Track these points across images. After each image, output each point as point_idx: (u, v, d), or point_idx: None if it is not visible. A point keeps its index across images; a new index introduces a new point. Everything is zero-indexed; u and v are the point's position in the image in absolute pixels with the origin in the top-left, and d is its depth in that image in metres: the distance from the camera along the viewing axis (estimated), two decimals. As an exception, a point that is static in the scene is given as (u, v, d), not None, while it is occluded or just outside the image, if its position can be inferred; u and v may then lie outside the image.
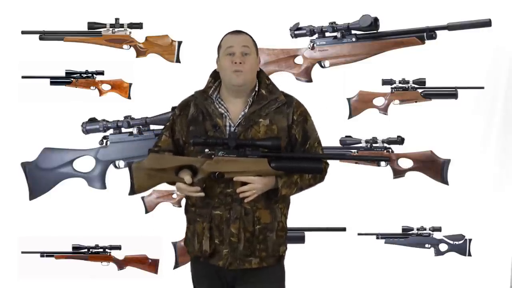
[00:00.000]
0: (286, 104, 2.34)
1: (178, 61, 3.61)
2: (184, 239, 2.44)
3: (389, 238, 3.65)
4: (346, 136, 3.63)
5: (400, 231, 3.65)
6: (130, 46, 3.60)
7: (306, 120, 2.36)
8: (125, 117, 3.55)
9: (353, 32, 3.55)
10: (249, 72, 2.29)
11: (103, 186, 3.58)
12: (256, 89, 2.35)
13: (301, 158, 2.29)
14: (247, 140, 2.25)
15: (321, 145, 2.40)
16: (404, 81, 3.57)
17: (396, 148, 3.60)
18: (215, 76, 2.39)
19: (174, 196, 3.60)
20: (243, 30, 2.36)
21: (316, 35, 3.63)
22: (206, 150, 2.24)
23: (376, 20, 3.44)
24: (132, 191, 2.32)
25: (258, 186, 2.22)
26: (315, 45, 3.63)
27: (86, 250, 3.62)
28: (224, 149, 2.23)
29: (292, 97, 2.39)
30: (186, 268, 3.27)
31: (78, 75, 3.59)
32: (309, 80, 3.68)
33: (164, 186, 2.37)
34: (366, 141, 3.61)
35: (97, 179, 3.56)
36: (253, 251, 2.29)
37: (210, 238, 2.30)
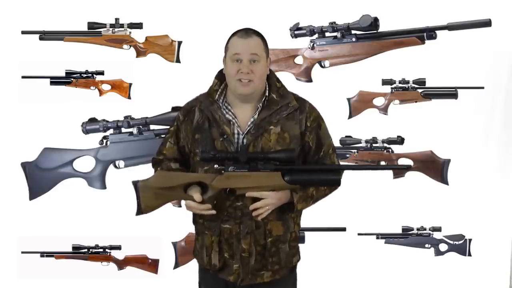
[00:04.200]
0: (299, 109, 2.21)
1: (178, 61, 3.61)
2: (193, 249, 2.37)
3: (389, 238, 3.65)
4: (346, 136, 3.63)
5: (400, 231, 3.65)
6: (130, 46, 3.60)
7: (320, 126, 2.25)
8: (125, 117, 3.55)
9: (353, 32, 3.55)
10: (257, 80, 2.15)
11: (103, 186, 3.57)
12: (266, 93, 2.22)
13: (316, 170, 2.18)
14: (258, 153, 2.13)
15: (335, 152, 2.31)
16: (404, 81, 3.57)
17: (396, 148, 3.59)
18: (220, 77, 2.26)
19: (174, 196, 3.60)
20: (253, 28, 2.23)
21: (316, 35, 3.63)
22: (216, 165, 2.13)
23: (376, 20, 3.43)
24: (139, 211, 2.21)
25: (272, 202, 2.12)
26: (315, 45, 3.63)
27: (86, 250, 3.62)
28: (234, 163, 2.12)
29: (304, 101, 2.26)
30: (186, 268, 3.28)
31: (78, 75, 3.58)
32: (309, 80, 3.67)
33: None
34: (366, 141, 3.61)
35: (97, 179, 3.56)
36: (265, 264, 2.20)
37: (219, 252, 2.21)
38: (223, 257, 2.22)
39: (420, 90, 3.56)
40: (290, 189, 2.14)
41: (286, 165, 2.12)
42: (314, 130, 2.23)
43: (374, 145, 3.61)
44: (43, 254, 3.58)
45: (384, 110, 3.62)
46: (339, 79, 3.61)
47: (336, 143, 3.58)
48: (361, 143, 3.62)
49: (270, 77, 2.25)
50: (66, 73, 3.58)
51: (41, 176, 3.53)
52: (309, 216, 3.47)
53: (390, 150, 3.61)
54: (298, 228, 2.30)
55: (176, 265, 3.61)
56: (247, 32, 2.18)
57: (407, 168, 3.15)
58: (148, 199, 2.21)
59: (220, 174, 2.13)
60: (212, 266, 2.24)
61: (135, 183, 2.17)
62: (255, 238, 2.18)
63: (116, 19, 3.57)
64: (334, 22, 3.56)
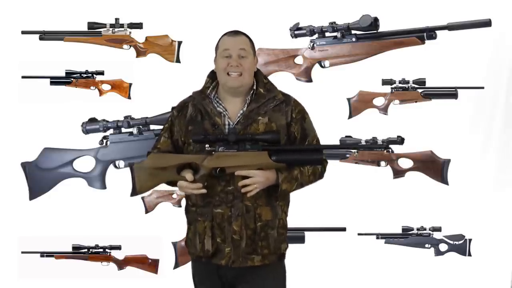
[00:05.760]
0: (284, 102, 2.36)
1: (178, 61, 3.61)
2: (185, 240, 2.44)
3: (389, 238, 3.65)
4: (346, 136, 3.63)
5: (400, 231, 3.65)
6: (130, 46, 3.60)
7: (304, 118, 2.38)
8: (125, 117, 3.55)
9: (353, 32, 3.55)
10: (246, 74, 2.30)
11: (103, 186, 3.57)
12: (254, 87, 2.36)
13: (301, 150, 2.30)
14: (246, 135, 2.27)
15: (319, 143, 2.42)
16: (404, 81, 3.57)
17: (396, 148, 3.59)
18: (212, 76, 2.40)
19: (174, 196, 3.60)
20: (241, 30, 2.36)
21: (316, 35, 3.63)
22: (207, 146, 2.25)
23: (376, 20, 3.43)
24: (134, 192, 2.31)
25: (260, 180, 2.22)
26: (315, 45, 3.63)
27: (86, 250, 3.62)
28: (224, 144, 2.25)
29: (289, 96, 2.40)
30: (186, 268, 3.27)
31: (78, 75, 3.59)
32: (309, 80, 3.68)
33: (164, 186, 2.37)
34: (366, 141, 3.61)
35: (97, 179, 3.56)
36: (255, 248, 2.30)
37: (212, 237, 2.30)
38: (215, 242, 2.31)
39: (420, 90, 3.56)
40: (276, 169, 2.26)
41: (273, 146, 2.25)
42: (299, 122, 2.36)
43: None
44: (43, 254, 3.59)
45: (384, 110, 3.62)
46: (339, 79, 3.61)
47: (336, 143, 3.59)
48: (361, 143, 3.62)
49: (258, 74, 2.40)
50: (66, 73, 3.58)
51: (41, 176, 3.53)
52: (309, 216, 3.50)
53: (390, 150, 3.61)
54: (285, 216, 2.40)
55: (176, 265, 3.61)
56: (236, 32, 2.36)
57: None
58: (142, 179, 2.31)
59: (211, 154, 2.24)
60: (205, 252, 2.32)
61: (130, 165, 2.30)
62: (245, 222, 2.28)
63: (116, 19, 3.57)
64: (334, 22, 3.56)
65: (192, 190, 2.26)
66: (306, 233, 3.55)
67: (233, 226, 2.28)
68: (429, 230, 3.63)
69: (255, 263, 2.31)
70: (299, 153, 2.27)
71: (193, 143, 2.29)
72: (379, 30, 3.47)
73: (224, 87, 2.34)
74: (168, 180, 2.34)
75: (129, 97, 3.62)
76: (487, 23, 3.27)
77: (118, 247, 3.62)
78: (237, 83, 2.30)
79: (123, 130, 3.56)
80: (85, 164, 3.57)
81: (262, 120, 2.31)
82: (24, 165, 3.53)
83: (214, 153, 2.24)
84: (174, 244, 3.60)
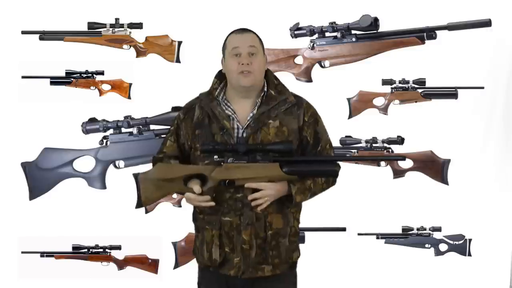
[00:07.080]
0: (296, 105, 2.28)
1: (178, 61, 3.61)
2: (192, 248, 2.39)
3: (389, 238, 3.65)
4: (346, 136, 3.63)
5: (400, 231, 3.65)
6: (130, 46, 3.60)
7: (317, 121, 2.31)
8: (125, 117, 3.55)
9: (353, 32, 3.55)
10: (257, 72, 2.23)
11: (103, 186, 3.57)
12: (265, 89, 2.29)
13: (314, 161, 2.23)
14: (257, 145, 2.18)
15: (332, 148, 2.36)
16: (404, 81, 3.57)
17: (396, 148, 3.59)
18: (220, 76, 2.33)
19: (174, 196, 3.59)
20: (248, 28, 2.32)
21: (316, 35, 3.63)
22: (215, 157, 2.17)
23: (376, 20, 3.43)
24: (139, 204, 2.24)
25: (271, 193, 2.16)
26: (315, 45, 3.63)
27: (86, 250, 3.62)
28: (233, 155, 2.16)
29: (301, 98, 2.33)
30: (186, 268, 3.28)
31: (78, 75, 3.58)
32: (309, 80, 3.68)
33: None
34: (366, 141, 3.61)
35: (97, 179, 3.56)
36: (266, 258, 2.23)
37: (220, 246, 2.23)
38: (223, 252, 2.24)
39: (420, 90, 3.56)
40: (288, 181, 2.18)
41: (284, 157, 2.16)
42: (312, 125, 2.29)
43: (374, 145, 3.61)
44: (43, 254, 3.58)
45: (384, 110, 3.62)
46: (339, 79, 3.61)
47: (336, 143, 3.59)
48: (361, 143, 3.62)
49: (268, 74, 2.32)
50: (66, 73, 3.58)
51: (41, 176, 3.53)
52: (309, 216, 3.49)
53: (390, 150, 3.61)
54: (297, 223, 2.33)
55: (176, 265, 3.61)
56: (243, 29, 2.29)
57: (403, 158, 3.19)
58: (148, 191, 2.23)
59: (219, 165, 2.16)
60: (213, 262, 2.25)
61: (135, 175, 2.22)
62: (255, 230, 2.21)
63: (116, 19, 3.57)
64: (334, 22, 3.56)
65: (199, 202, 2.18)
66: (306, 233, 3.55)
67: (242, 236, 2.20)
68: (429, 230, 3.63)
69: (265, 273, 2.23)
70: (312, 164, 2.19)
71: (202, 153, 2.20)
72: (379, 30, 3.47)
73: (237, 88, 2.25)
74: (175, 192, 2.30)
75: (129, 97, 3.61)
76: (487, 23, 3.27)
77: (118, 247, 3.62)
78: (249, 82, 2.21)
79: (123, 130, 3.55)
80: (85, 164, 3.57)
81: (273, 124, 2.23)
82: (24, 165, 3.53)
83: (223, 164, 2.16)
84: (174, 244, 3.60)
